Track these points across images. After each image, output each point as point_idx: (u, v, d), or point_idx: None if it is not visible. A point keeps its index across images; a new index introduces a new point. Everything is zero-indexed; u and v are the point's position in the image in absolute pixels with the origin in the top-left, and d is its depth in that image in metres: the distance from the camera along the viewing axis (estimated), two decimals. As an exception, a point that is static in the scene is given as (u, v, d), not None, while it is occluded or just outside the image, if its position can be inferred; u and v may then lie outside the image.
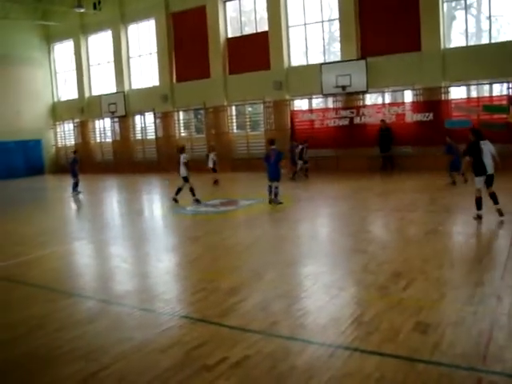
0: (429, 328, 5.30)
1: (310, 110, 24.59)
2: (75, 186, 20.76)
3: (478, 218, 10.44)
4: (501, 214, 10.28)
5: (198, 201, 15.70)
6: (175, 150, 17.74)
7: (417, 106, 21.41)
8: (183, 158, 16.05)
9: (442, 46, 20.81)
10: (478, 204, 10.44)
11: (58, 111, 36.04)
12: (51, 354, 5.35)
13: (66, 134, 36.24)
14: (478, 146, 10.38)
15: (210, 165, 20.98)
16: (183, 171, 15.99)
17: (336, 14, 23.47)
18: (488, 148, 10.48)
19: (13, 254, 10.29)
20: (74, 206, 18.93)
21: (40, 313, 6.62)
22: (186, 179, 16.00)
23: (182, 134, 29.81)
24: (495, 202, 10.39)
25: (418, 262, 7.82)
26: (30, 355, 5.37)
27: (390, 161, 21.91)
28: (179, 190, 15.99)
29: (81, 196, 20.46)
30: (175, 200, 15.86)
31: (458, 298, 6.17)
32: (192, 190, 15.82)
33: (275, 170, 14.56)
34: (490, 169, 10.43)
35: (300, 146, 20.90)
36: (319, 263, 8.24)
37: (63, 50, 35.56)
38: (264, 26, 25.74)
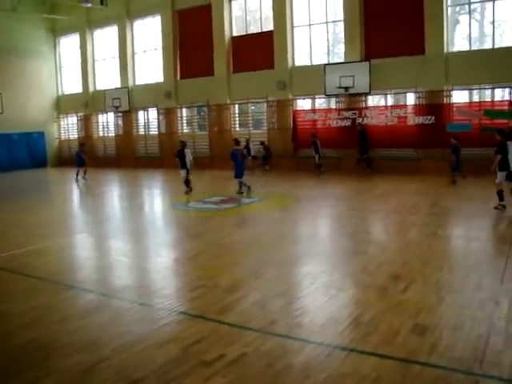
0: (427, 330, 5.28)
1: (313, 110, 24.52)
2: (84, 173, 23.17)
3: (502, 207, 11.77)
4: None
5: (188, 192, 17.02)
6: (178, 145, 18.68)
7: (419, 109, 21.33)
8: (189, 153, 17.74)
9: (446, 50, 20.74)
10: (500, 196, 11.84)
11: (62, 105, 36.02)
12: (53, 344, 5.38)
13: (69, 128, 36.23)
14: (505, 145, 11.81)
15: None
16: (188, 164, 17.36)
17: (341, 16, 23.40)
18: None
19: (16, 244, 10.30)
20: (75, 198, 18.92)
21: (42, 304, 6.63)
22: (188, 171, 17.34)
23: (185, 131, 29.77)
24: None
25: (417, 265, 7.79)
26: (33, 344, 5.40)
27: (367, 162, 22.14)
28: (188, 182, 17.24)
29: (87, 183, 21.95)
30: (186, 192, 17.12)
31: (456, 301, 6.15)
32: (187, 182, 17.15)
33: (242, 167, 16.61)
34: None
35: (317, 140, 21.87)
36: (318, 263, 8.22)
37: (69, 44, 35.50)
38: (269, 26, 25.67)
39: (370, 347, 4.96)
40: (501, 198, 11.85)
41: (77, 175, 23.23)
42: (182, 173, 17.42)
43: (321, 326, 5.53)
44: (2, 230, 12.25)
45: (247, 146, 23.17)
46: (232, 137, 26.69)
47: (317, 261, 8.36)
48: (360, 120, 22.30)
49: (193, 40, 28.27)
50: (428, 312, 5.82)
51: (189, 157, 17.46)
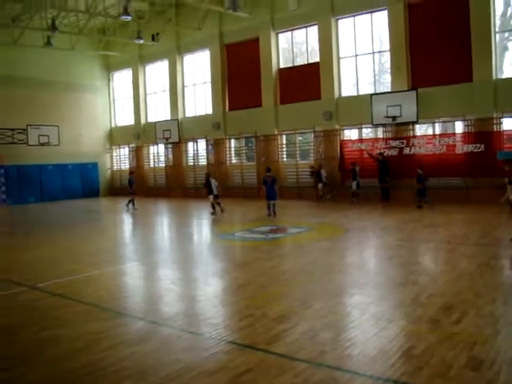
0: (482, 365, 5.06)
1: (360, 140, 24.42)
2: (131, 202, 24.14)
3: None
4: None
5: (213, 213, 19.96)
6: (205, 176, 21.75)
7: (468, 137, 20.94)
8: (214, 181, 20.32)
9: (494, 77, 20.36)
10: None
11: (115, 136, 37.18)
12: (103, 371, 5.41)
13: (121, 158, 37.27)
14: None
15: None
16: (215, 190, 20.08)
17: (387, 46, 23.42)
18: None
19: (69, 271, 10.55)
20: (126, 227, 19.30)
21: (93, 330, 6.72)
22: (217, 196, 20.16)
23: (233, 161, 30.11)
24: None
25: (469, 296, 7.54)
26: (83, 370, 5.44)
27: (386, 192, 22.34)
28: (214, 206, 20.01)
29: (135, 211, 22.83)
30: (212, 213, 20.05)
31: (512, 335, 5.90)
32: (214, 206, 19.96)
33: (273, 191, 18.66)
34: None
35: (356, 168, 22.39)
36: (367, 294, 8.06)
37: (122, 79, 36.84)
38: (315, 57, 25.91)
39: (422, 381, 4.79)
40: None
41: (129, 202, 24.42)
42: (210, 198, 20.22)
43: (371, 358, 5.39)
44: (56, 257, 12.58)
45: (318, 173, 23.79)
46: (279, 167, 26.93)
47: (366, 291, 8.20)
48: (408, 149, 22.10)
49: (241, 72, 28.80)
50: (483, 345, 5.58)
51: (214, 183, 20.11)
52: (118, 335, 6.60)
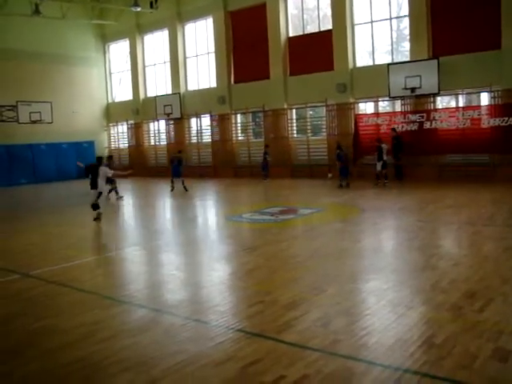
0: (510, 356, 5.06)
1: (376, 114, 24.23)
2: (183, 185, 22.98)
3: None
4: None
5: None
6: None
7: (494, 110, 20.71)
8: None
9: (525, 44, 20.06)
10: None
11: (112, 112, 37.15)
12: (101, 363, 5.45)
13: (119, 136, 37.28)
14: None
15: None
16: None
17: (406, 10, 23.11)
18: None
19: (66, 257, 10.62)
20: (126, 210, 19.37)
21: (91, 320, 6.78)
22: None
23: (239, 138, 30.04)
24: None
25: (495, 282, 7.52)
26: (80, 363, 5.47)
27: (399, 170, 22.24)
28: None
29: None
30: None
31: (542, 322, 5.89)
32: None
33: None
34: None
35: (382, 145, 21.43)
36: (384, 279, 8.06)
37: (118, 50, 36.67)
38: (327, 25, 25.64)
39: (445, 372, 4.80)
40: None
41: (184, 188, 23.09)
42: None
43: (389, 348, 5.40)
44: (49, 243, 12.67)
45: (380, 148, 21.30)
46: (289, 143, 26.85)
47: (383, 276, 8.20)
48: (428, 124, 21.91)
49: (247, 42, 28.58)
50: (510, 335, 5.57)
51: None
52: (117, 325, 6.65)
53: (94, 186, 15.80)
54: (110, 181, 19.82)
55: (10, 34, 31.00)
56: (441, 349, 5.28)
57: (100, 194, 15.68)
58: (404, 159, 22.37)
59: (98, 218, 15.26)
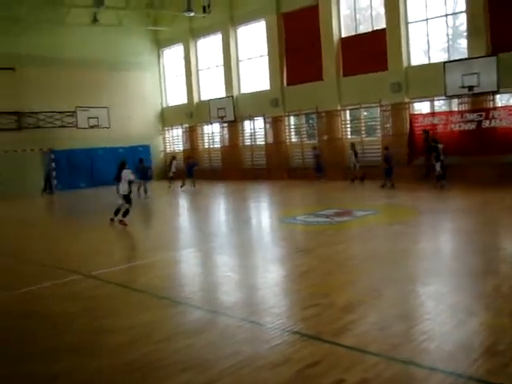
0: None
1: (432, 114, 23.73)
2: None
3: None
4: None
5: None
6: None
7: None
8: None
9: None
10: None
11: (167, 116, 37.76)
12: (157, 363, 5.49)
13: (174, 140, 37.83)
14: None
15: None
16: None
17: (462, 6, 22.53)
18: None
19: (122, 258, 10.86)
20: (182, 212, 19.63)
21: (148, 320, 6.87)
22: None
23: (293, 140, 29.99)
24: None
25: (561, 286, 7.23)
26: (137, 363, 5.53)
27: (427, 170, 22.12)
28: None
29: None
30: None
31: None
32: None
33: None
34: None
35: (439, 145, 20.61)
36: (443, 282, 7.86)
37: (172, 55, 37.25)
38: (381, 24, 25.29)
39: (510, 380, 4.62)
40: None
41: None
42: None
43: (450, 354, 5.24)
44: (108, 245, 12.97)
45: (436, 148, 20.45)
46: (343, 145, 26.61)
47: (442, 280, 7.99)
48: (487, 122, 21.31)
49: (299, 44, 28.50)
50: None
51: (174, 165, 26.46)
52: (173, 326, 6.72)
53: (118, 189, 15.84)
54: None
55: (70, 43, 31.98)
56: (504, 356, 5.08)
57: (125, 196, 15.57)
58: (465, 160, 21.75)
59: (122, 221, 15.23)
